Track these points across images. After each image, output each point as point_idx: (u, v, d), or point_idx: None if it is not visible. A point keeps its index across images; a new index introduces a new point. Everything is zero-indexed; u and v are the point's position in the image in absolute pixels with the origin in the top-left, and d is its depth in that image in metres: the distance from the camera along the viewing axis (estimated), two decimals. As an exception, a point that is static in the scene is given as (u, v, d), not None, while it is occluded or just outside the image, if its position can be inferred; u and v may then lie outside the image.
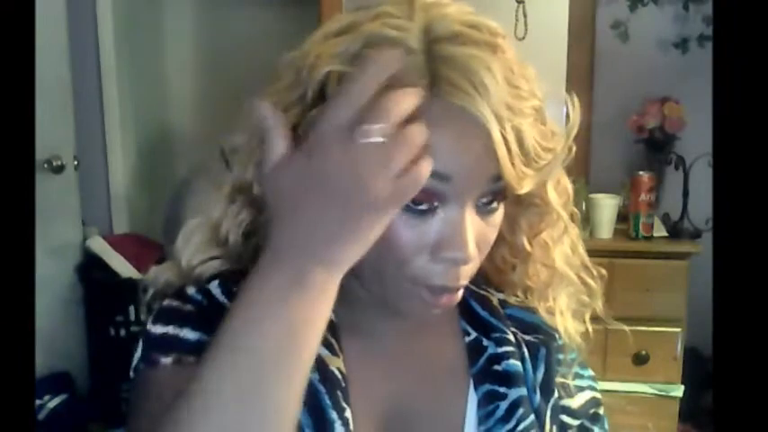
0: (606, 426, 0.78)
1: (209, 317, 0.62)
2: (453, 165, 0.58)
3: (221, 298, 0.66)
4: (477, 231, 0.61)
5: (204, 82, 3.39)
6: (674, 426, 2.27)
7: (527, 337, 0.75)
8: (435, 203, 0.60)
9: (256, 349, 0.51)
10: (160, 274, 0.71)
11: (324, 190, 0.51)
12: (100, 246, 2.60)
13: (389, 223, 0.56)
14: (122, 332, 2.54)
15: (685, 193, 2.36)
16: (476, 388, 0.72)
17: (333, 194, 0.51)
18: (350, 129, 0.50)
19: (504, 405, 0.71)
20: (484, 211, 0.62)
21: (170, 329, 0.65)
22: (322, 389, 0.65)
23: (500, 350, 0.73)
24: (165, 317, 0.66)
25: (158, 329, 0.65)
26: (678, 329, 2.25)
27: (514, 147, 0.58)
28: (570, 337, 0.75)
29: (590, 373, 0.81)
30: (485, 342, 0.73)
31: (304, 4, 2.90)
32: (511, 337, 0.74)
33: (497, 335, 0.74)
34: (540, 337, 0.76)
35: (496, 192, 0.61)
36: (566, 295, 0.75)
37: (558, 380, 0.76)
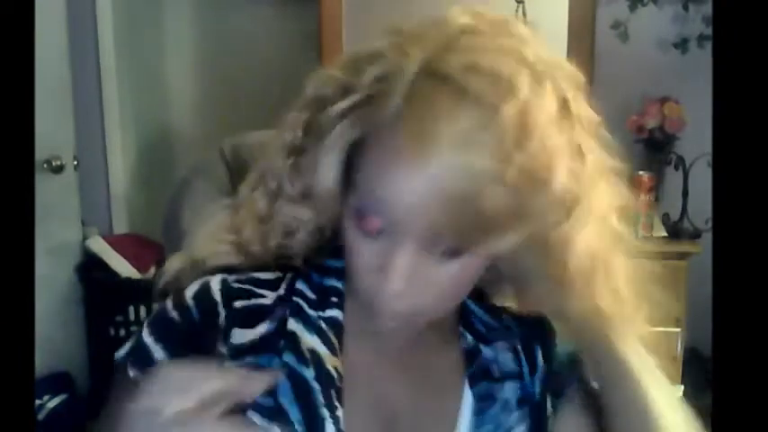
0: None
1: (190, 333, 0.66)
2: (394, 201, 0.57)
3: (218, 297, 0.68)
4: (427, 271, 0.59)
5: (204, 82, 3.39)
6: (673, 426, 2.27)
7: (525, 338, 0.76)
8: (380, 230, 0.59)
9: None
10: (172, 264, 0.73)
11: None
12: (100, 246, 2.60)
13: (349, 236, 0.61)
14: (122, 332, 2.53)
15: (685, 193, 2.36)
16: (472, 390, 0.72)
17: None
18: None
19: (497, 407, 0.71)
20: (439, 258, 0.59)
21: (151, 342, 0.67)
22: (316, 386, 0.66)
23: (497, 353, 0.73)
24: (157, 327, 0.68)
25: (147, 337, 0.68)
26: (678, 329, 2.25)
27: (467, 209, 0.55)
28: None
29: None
30: (481, 345, 0.73)
31: (304, 3, 2.90)
32: (508, 339, 0.75)
33: (494, 336, 0.74)
34: (538, 337, 0.77)
35: (450, 248, 0.58)
36: None
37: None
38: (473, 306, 0.75)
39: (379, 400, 0.69)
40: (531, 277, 0.67)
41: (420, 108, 0.56)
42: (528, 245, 0.60)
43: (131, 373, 0.67)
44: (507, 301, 0.77)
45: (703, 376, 2.31)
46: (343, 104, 0.60)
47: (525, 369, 0.74)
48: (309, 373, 0.66)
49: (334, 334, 0.68)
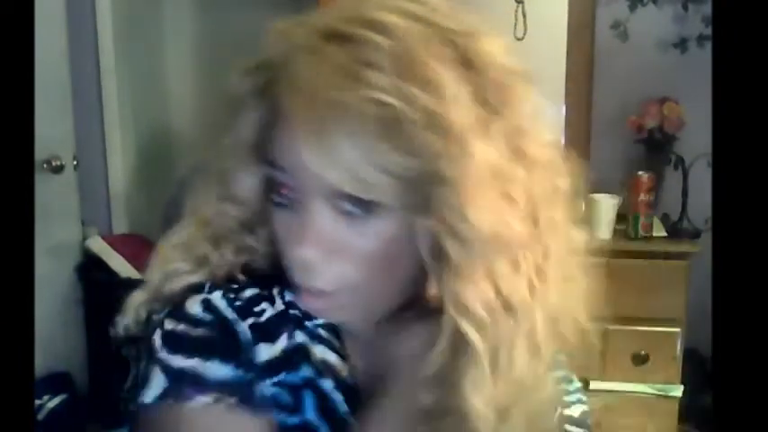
0: None
1: (228, 342, 0.60)
2: (283, 150, 0.58)
3: (230, 314, 0.62)
4: (342, 234, 0.58)
5: (204, 82, 3.39)
6: (673, 426, 2.27)
7: None
8: (290, 198, 0.59)
9: None
10: (133, 301, 0.67)
11: None
12: (99, 246, 2.60)
13: (271, 218, 0.61)
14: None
15: (684, 193, 2.36)
16: None
17: None
18: None
19: None
20: (353, 214, 0.57)
21: (196, 363, 0.59)
22: (338, 397, 0.63)
23: None
24: (182, 346, 0.60)
25: (181, 362, 0.59)
26: (677, 329, 2.25)
27: (347, 154, 0.53)
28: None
29: (577, 385, 0.81)
30: None
31: (303, 4, 2.90)
32: None
33: None
34: None
35: (354, 198, 0.56)
36: None
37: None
38: None
39: (390, 397, 0.65)
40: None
41: (291, 64, 0.57)
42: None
43: (175, 410, 0.58)
44: None
45: (703, 376, 2.32)
46: (247, 82, 0.62)
47: None
48: (328, 384, 0.63)
49: (337, 338, 0.66)
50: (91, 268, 2.58)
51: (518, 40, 2.69)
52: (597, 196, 2.35)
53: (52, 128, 2.38)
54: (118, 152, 2.84)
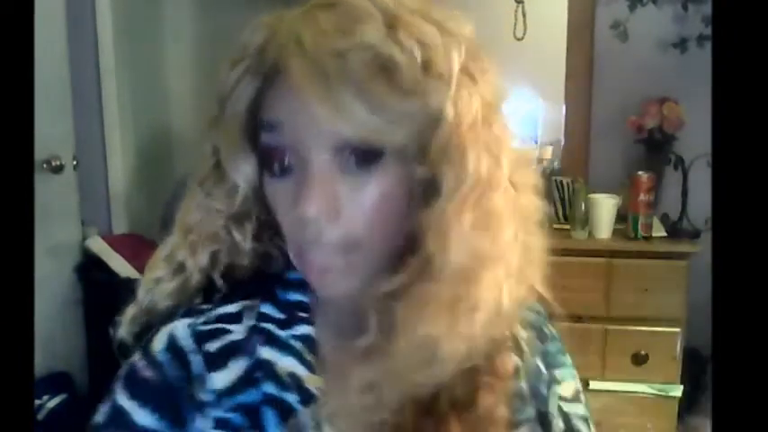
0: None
1: (171, 390, 0.64)
2: (282, 114, 0.61)
3: (188, 345, 0.66)
4: (348, 188, 0.61)
5: (204, 82, 3.39)
6: (672, 426, 2.27)
7: (522, 332, 0.74)
8: (285, 160, 0.62)
9: None
10: (126, 316, 0.72)
11: None
12: (99, 246, 2.60)
13: (267, 190, 0.64)
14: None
15: (684, 193, 2.36)
16: None
17: None
18: None
19: None
20: (355, 169, 0.60)
21: (131, 406, 0.64)
22: (302, 410, 0.64)
23: None
24: (130, 385, 0.65)
25: (123, 400, 0.65)
26: (677, 329, 2.25)
27: (349, 98, 0.56)
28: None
29: (569, 360, 0.79)
30: None
31: (303, 4, 2.89)
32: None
33: None
34: (535, 330, 0.76)
35: (355, 146, 0.59)
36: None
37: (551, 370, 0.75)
38: None
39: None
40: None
41: (283, 33, 0.60)
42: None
43: None
44: None
45: (703, 376, 2.32)
46: (237, 70, 0.64)
47: (529, 362, 0.73)
48: (293, 398, 0.64)
49: (309, 350, 0.67)
50: (91, 268, 2.57)
51: (518, 39, 2.70)
52: (597, 196, 2.36)
53: (52, 128, 2.38)
54: (118, 152, 2.84)
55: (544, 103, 2.90)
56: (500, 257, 0.62)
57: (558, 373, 0.76)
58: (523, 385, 0.71)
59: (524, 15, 2.69)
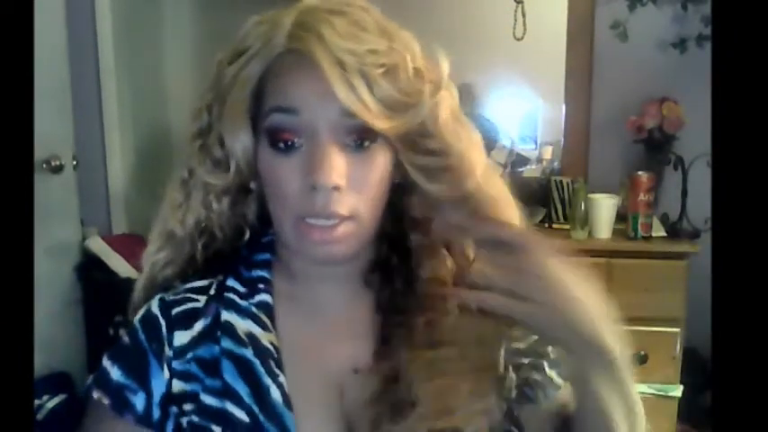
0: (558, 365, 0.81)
1: (138, 352, 0.77)
2: (298, 99, 0.70)
3: (158, 312, 0.78)
4: (349, 167, 0.71)
5: (203, 82, 3.38)
6: (672, 426, 2.27)
7: None
8: (294, 139, 0.71)
9: None
10: (137, 288, 0.84)
11: None
12: (99, 246, 2.60)
13: (268, 167, 0.73)
14: (120, 332, 2.53)
15: (684, 193, 2.36)
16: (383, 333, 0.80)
17: None
18: None
19: None
20: (355, 149, 0.72)
21: (109, 365, 0.77)
22: (256, 361, 0.75)
23: None
24: (113, 352, 0.78)
25: (105, 362, 0.78)
26: (677, 329, 2.25)
27: (362, 88, 0.68)
28: None
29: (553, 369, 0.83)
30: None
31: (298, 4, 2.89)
32: None
33: None
34: None
35: (359, 129, 0.71)
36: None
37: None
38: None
39: (316, 361, 0.77)
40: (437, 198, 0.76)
41: (301, 26, 0.70)
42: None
43: (95, 395, 0.76)
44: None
45: (703, 376, 2.31)
46: (241, 60, 0.73)
47: None
48: (248, 352, 0.75)
49: (266, 314, 0.78)
50: (90, 268, 2.57)
51: (517, 40, 2.70)
52: (597, 196, 2.36)
53: (52, 127, 2.38)
54: (117, 152, 2.84)
55: (544, 104, 2.90)
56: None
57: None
58: None
59: (524, 15, 2.69)
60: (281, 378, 0.74)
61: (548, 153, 2.90)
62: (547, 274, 0.64)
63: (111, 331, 2.57)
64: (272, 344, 0.76)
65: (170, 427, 0.75)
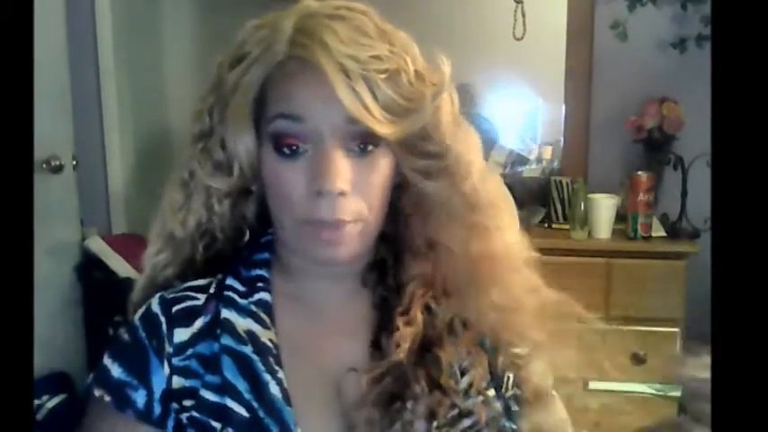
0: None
1: (138, 349, 0.77)
2: (303, 106, 0.71)
3: (158, 310, 0.78)
4: (353, 172, 0.72)
5: (203, 82, 3.38)
6: (672, 426, 2.27)
7: None
8: (299, 145, 0.72)
9: None
10: (136, 287, 0.84)
11: None
12: (98, 246, 2.60)
13: (273, 173, 0.74)
14: (119, 332, 2.53)
15: (684, 193, 2.36)
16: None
17: None
18: None
19: None
20: (358, 154, 0.73)
21: (109, 363, 0.77)
22: (255, 357, 0.75)
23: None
24: (114, 350, 0.79)
25: (106, 360, 0.78)
26: (676, 329, 2.25)
27: (365, 94, 0.69)
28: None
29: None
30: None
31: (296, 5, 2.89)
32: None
33: None
34: None
35: (363, 134, 0.72)
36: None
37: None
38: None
39: (315, 358, 0.78)
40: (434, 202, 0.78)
41: (304, 33, 0.71)
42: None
43: (97, 392, 0.76)
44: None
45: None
46: (242, 65, 0.74)
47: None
48: (248, 349, 0.76)
49: (265, 312, 0.79)
50: (90, 268, 2.57)
51: (517, 40, 2.70)
52: (596, 196, 2.36)
53: (51, 128, 2.38)
54: (117, 152, 2.84)
55: (544, 103, 2.90)
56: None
57: None
58: None
59: (524, 15, 2.69)
60: (280, 374, 0.75)
61: (547, 153, 2.90)
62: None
63: (111, 331, 2.57)
64: (271, 341, 0.77)
65: (170, 423, 0.76)
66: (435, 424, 0.73)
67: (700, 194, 2.27)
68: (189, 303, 0.79)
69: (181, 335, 0.77)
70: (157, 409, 0.75)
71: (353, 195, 0.72)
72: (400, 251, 0.83)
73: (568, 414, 0.92)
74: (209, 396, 0.74)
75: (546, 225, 2.55)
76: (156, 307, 0.79)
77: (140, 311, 0.80)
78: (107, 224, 2.84)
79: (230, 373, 0.75)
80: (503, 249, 0.79)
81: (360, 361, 0.78)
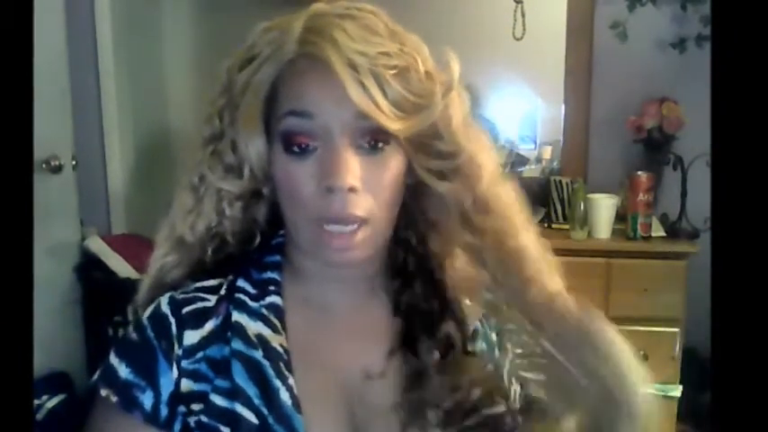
0: None
1: (146, 349, 0.76)
2: (312, 102, 0.71)
3: (167, 310, 0.77)
4: (364, 169, 0.72)
5: (203, 82, 3.38)
6: (672, 426, 2.27)
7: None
8: (309, 143, 0.72)
9: None
10: (142, 288, 0.83)
11: None
12: (98, 246, 2.60)
13: (283, 171, 0.73)
14: (121, 332, 2.52)
15: (683, 193, 2.36)
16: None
17: None
18: None
19: None
20: (369, 151, 0.73)
21: (116, 363, 0.76)
22: (265, 363, 0.74)
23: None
24: (121, 349, 0.78)
25: (113, 359, 0.77)
26: (676, 329, 2.25)
27: (375, 89, 0.68)
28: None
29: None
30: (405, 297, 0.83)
31: (302, 6, 2.89)
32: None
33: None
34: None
35: (373, 131, 0.71)
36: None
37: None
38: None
39: (326, 363, 0.78)
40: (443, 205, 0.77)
41: (313, 30, 0.71)
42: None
43: (103, 392, 0.76)
44: None
45: (702, 376, 2.31)
46: (252, 66, 0.74)
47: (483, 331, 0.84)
48: (258, 354, 0.75)
49: (276, 316, 0.78)
50: (90, 268, 2.57)
51: (517, 40, 2.70)
52: (596, 196, 2.36)
53: (51, 128, 2.38)
54: (117, 152, 2.84)
55: (543, 103, 2.90)
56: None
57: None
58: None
59: (523, 15, 2.69)
60: (291, 380, 0.74)
61: (547, 153, 2.90)
62: (606, 350, 0.72)
63: (111, 331, 2.58)
64: (281, 346, 0.76)
65: (177, 426, 0.75)
66: None
67: (699, 194, 2.27)
68: (199, 305, 0.78)
69: (191, 337, 0.76)
70: (164, 412, 0.75)
71: (364, 192, 0.72)
72: (426, 255, 0.82)
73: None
74: (219, 401, 0.73)
75: (545, 225, 2.55)
76: (165, 307, 0.78)
77: (149, 311, 0.79)
78: (107, 224, 2.84)
79: (240, 378, 0.74)
80: (518, 253, 0.77)
81: (375, 367, 0.77)
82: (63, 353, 2.49)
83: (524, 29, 2.69)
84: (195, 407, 0.74)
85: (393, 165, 0.74)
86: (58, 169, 2.42)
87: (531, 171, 2.86)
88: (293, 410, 0.72)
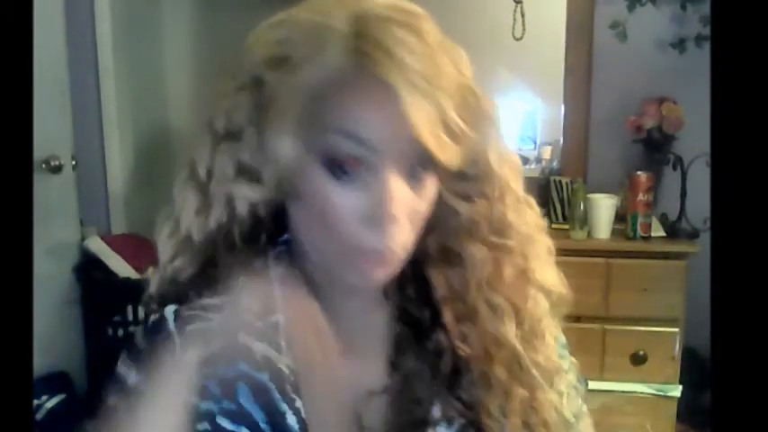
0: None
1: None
2: (370, 129, 0.64)
3: (171, 327, 0.73)
4: (407, 200, 0.66)
5: (202, 82, 3.38)
6: (671, 426, 2.27)
7: None
8: (360, 168, 0.65)
9: None
10: (151, 285, 0.79)
11: None
12: (98, 246, 2.60)
13: (319, 193, 0.66)
14: (120, 332, 2.53)
15: (683, 193, 2.36)
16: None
17: None
18: None
19: None
20: (410, 179, 0.67)
21: (125, 368, 0.74)
22: (271, 386, 0.72)
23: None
24: (129, 357, 0.75)
25: (121, 367, 0.74)
26: (676, 329, 2.25)
27: (434, 116, 0.62)
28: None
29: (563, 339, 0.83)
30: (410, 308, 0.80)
31: (301, 5, 2.88)
32: None
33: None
34: None
35: (423, 160, 0.65)
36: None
37: None
38: None
39: (332, 382, 0.75)
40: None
41: (375, 45, 0.62)
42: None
43: (112, 402, 0.73)
44: None
45: (702, 376, 2.32)
46: (288, 66, 0.66)
47: None
48: (264, 376, 0.72)
49: (281, 335, 0.74)
50: (89, 268, 2.57)
51: (516, 40, 2.70)
52: (596, 196, 2.36)
53: (51, 128, 2.38)
54: (116, 152, 2.84)
55: (543, 103, 2.90)
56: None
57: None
58: None
59: (523, 15, 2.69)
60: (298, 403, 0.72)
61: (546, 153, 2.90)
62: None
63: (110, 331, 2.58)
64: (288, 367, 0.73)
65: None
66: None
67: (699, 194, 2.27)
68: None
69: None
70: None
71: (406, 224, 0.67)
72: (419, 260, 0.77)
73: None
74: (226, 424, 0.71)
75: (545, 225, 2.54)
76: (171, 324, 0.74)
77: (154, 320, 0.76)
78: (106, 224, 2.84)
79: (246, 400, 0.71)
80: (523, 277, 0.75)
81: (378, 383, 0.76)
82: (62, 353, 2.49)
83: (524, 29, 2.69)
84: (200, 427, 0.72)
85: (430, 192, 0.69)
86: (57, 169, 2.42)
87: (530, 171, 2.86)
88: None
